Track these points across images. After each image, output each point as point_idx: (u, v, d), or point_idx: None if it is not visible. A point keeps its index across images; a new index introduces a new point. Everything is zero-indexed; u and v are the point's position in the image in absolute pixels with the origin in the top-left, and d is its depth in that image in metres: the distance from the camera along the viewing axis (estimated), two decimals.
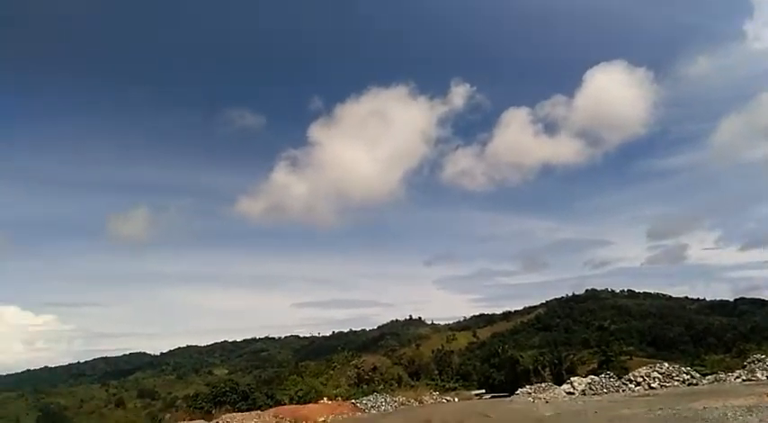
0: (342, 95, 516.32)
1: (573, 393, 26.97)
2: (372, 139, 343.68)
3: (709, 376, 27.43)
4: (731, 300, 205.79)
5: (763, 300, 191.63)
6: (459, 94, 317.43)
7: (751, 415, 13.11)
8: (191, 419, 24.09)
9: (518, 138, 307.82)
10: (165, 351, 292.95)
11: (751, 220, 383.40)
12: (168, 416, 43.26)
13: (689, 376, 25.96)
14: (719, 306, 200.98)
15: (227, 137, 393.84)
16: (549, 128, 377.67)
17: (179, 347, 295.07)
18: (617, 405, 19.13)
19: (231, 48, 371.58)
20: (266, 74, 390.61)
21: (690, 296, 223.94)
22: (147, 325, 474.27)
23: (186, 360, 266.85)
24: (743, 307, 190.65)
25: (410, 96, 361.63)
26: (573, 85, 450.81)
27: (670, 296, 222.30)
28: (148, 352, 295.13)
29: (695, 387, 24.20)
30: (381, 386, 46.66)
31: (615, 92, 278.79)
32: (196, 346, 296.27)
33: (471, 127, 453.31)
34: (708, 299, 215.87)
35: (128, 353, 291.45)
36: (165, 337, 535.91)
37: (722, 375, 26.90)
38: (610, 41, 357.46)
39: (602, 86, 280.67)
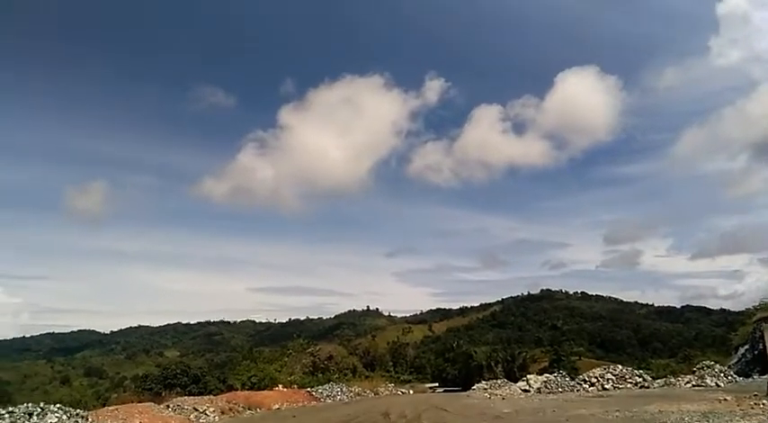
0: (315, 80, 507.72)
1: (528, 391, 27.26)
2: (343, 127, 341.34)
3: (660, 380, 28.11)
4: (678, 306, 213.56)
5: (708, 308, 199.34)
6: (433, 88, 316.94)
7: (707, 421, 13.28)
8: (139, 401, 23.23)
9: (487, 135, 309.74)
10: (115, 330, 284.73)
11: (702, 230, 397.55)
12: (115, 396, 41.86)
13: (641, 379, 26.59)
14: (667, 312, 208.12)
15: (195, 114, 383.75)
16: (518, 128, 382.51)
17: (130, 327, 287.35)
18: (573, 404, 19.31)
19: (206, 24, 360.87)
20: (240, 53, 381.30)
21: (640, 301, 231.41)
22: (98, 302, 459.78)
23: (137, 340, 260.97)
24: (689, 314, 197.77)
25: (384, 87, 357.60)
26: (544, 87, 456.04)
27: (621, 300, 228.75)
28: (98, 330, 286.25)
29: (647, 390, 24.73)
30: (336, 375, 46.39)
31: (584, 97, 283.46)
32: (148, 326, 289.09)
33: (442, 122, 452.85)
34: (656, 304, 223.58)
35: (76, 330, 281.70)
36: (117, 316, 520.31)
37: (672, 380, 27.61)
38: (583, 47, 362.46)
39: (573, 90, 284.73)
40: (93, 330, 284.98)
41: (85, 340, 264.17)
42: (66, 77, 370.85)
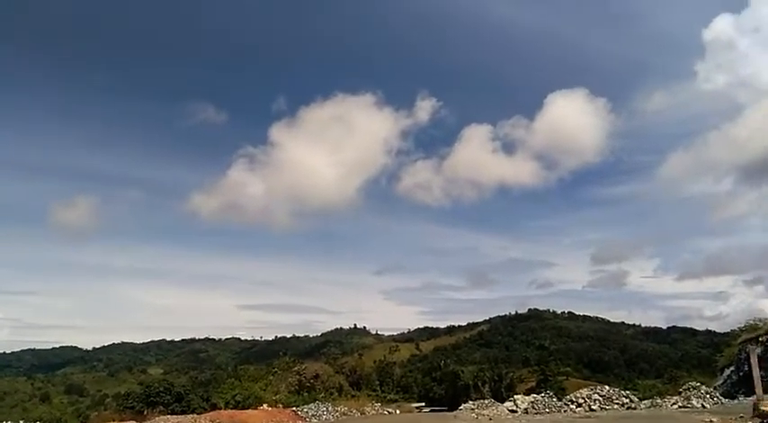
0: (307, 98, 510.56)
1: (516, 411, 27.05)
2: (334, 144, 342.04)
3: (647, 401, 28.04)
4: (664, 327, 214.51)
5: (694, 329, 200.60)
6: (424, 108, 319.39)
7: None
8: (120, 419, 22.82)
9: (477, 155, 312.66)
10: (97, 346, 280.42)
11: (688, 251, 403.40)
12: (95, 414, 41.14)
13: (628, 400, 26.48)
14: (653, 333, 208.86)
15: (185, 130, 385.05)
16: (508, 147, 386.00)
17: (113, 343, 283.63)
18: None
19: (198, 40, 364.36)
20: (232, 70, 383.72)
21: (626, 321, 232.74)
22: (81, 318, 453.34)
23: (120, 357, 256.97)
24: (675, 335, 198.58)
25: (376, 106, 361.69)
26: (534, 108, 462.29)
27: (608, 320, 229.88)
28: (80, 346, 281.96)
29: (634, 411, 24.65)
30: (322, 394, 45.82)
31: (573, 118, 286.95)
32: (131, 342, 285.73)
33: (433, 141, 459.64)
34: (643, 325, 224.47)
35: (58, 346, 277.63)
36: (100, 332, 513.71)
37: (659, 401, 27.55)
38: (573, 69, 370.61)
39: (562, 112, 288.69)
40: (76, 346, 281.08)
41: (67, 357, 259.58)
42: (55, 90, 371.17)
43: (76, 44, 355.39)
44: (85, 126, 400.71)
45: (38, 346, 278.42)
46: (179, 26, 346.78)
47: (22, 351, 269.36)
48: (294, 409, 31.28)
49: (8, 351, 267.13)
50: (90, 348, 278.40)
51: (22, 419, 16.31)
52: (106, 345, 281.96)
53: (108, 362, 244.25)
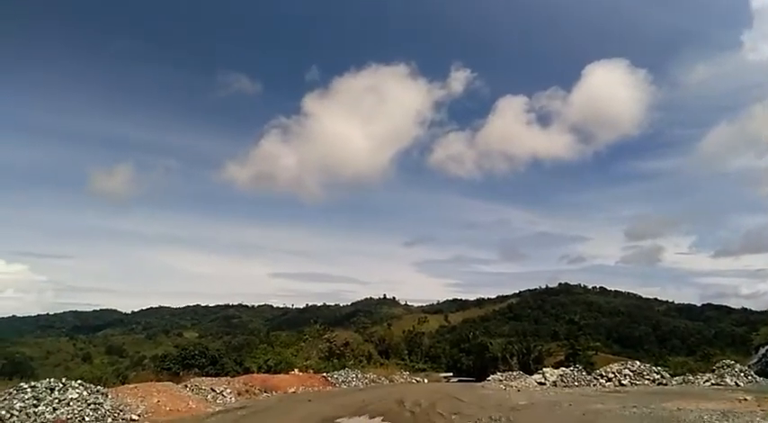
0: (340, 68, 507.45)
1: (544, 384, 27.11)
2: (366, 115, 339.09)
3: (678, 378, 27.75)
4: (698, 305, 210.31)
5: (729, 307, 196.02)
6: (459, 79, 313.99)
7: (727, 420, 13.09)
8: (158, 380, 23.64)
9: (511, 127, 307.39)
10: (136, 310, 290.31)
11: (725, 228, 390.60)
12: (134, 374, 42.69)
13: (659, 376, 26.21)
14: (687, 310, 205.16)
15: (220, 100, 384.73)
16: (543, 119, 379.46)
17: (151, 307, 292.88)
18: (590, 399, 19.15)
19: (233, 10, 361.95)
20: (266, 40, 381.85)
21: (659, 298, 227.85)
22: (120, 282, 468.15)
23: (157, 320, 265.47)
24: (709, 313, 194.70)
25: (409, 77, 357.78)
26: (571, 79, 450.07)
27: (640, 296, 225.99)
28: (119, 309, 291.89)
29: (665, 387, 24.42)
30: (352, 361, 46.68)
31: (612, 90, 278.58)
32: (168, 307, 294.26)
33: (467, 113, 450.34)
34: (676, 302, 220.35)
35: (98, 309, 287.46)
36: (138, 296, 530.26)
37: (691, 378, 27.22)
38: (612, 39, 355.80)
39: (600, 83, 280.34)
40: (115, 310, 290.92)
41: (107, 319, 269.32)
42: (94, 60, 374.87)
43: (111, 14, 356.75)
44: (122, 96, 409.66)
45: (79, 309, 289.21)
46: None
47: (64, 313, 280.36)
48: (324, 374, 31.92)
49: (51, 312, 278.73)
50: (129, 312, 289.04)
51: (65, 377, 16.99)
52: (144, 308, 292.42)
53: (146, 325, 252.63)
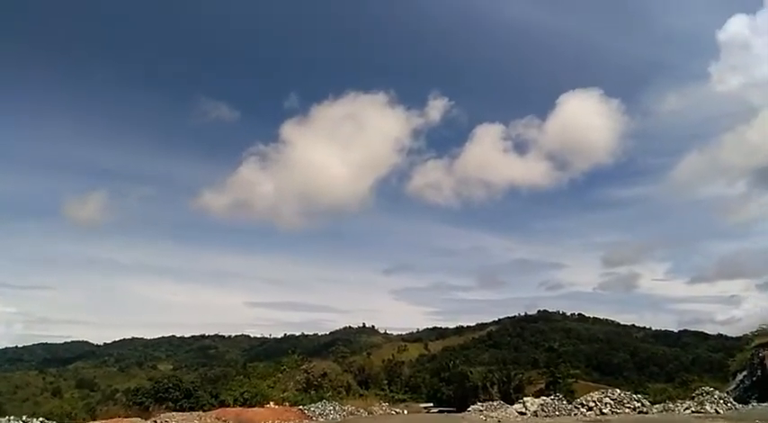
0: (318, 96, 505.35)
1: (525, 414, 26.77)
2: (345, 143, 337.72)
3: (658, 405, 27.64)
4: (675, 331, 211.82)
5: (705, 333, 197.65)
6: (437, 107, 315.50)
7: None
8: (126, 416, 22.82)
9: (488, 155, 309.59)
10: (108, 341, 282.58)
11: (700, 255, 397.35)
12: (105, 409, 41.35)
13: (639, 404, 26.07)
14: (664, 336, 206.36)
15: (197, 127, 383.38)
16: (520, 147, 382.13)
17: (124, 339, 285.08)
18: None
19: (212, 37, 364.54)
20: (245, 67, 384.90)
21: (637, 324, 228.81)
22: (92, 313, 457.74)
23: (130, 352, 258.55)
24: (686, 339, 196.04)
25: (388, 105, 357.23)
26: (546, 108, 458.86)
27: (618, 323, 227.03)
28: (91, 341, 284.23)
29: (646, 416, 24.28)
30: (330, 393, 45.72)
31: (586, 119, 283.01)
32: (142, 338, 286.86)
33: (445, 140, 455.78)
34: (653, 328, 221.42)
35: (69, 340, 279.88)
36: (110, 328, 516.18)
37: (671, 405, 27.13)
38: (585, 70, 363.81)
39: (575, 112, 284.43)
40: (87, 341, 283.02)
41: (78, 351, 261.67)
42: (68, 86, 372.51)
43: (88, 41, 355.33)
44: (98, 123, 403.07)
45: (49, 341, 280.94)
46: (191, 23, 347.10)
47: (33, 345, 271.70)
48: (301, 407, 31.17)
49: (20, 345, 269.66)
50: (101, 343, 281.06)
51: (34, 413, 16.30)
52: (117, 340, 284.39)
53: (119, 357, 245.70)
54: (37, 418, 16.48)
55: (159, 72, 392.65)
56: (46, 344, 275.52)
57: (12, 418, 15.86)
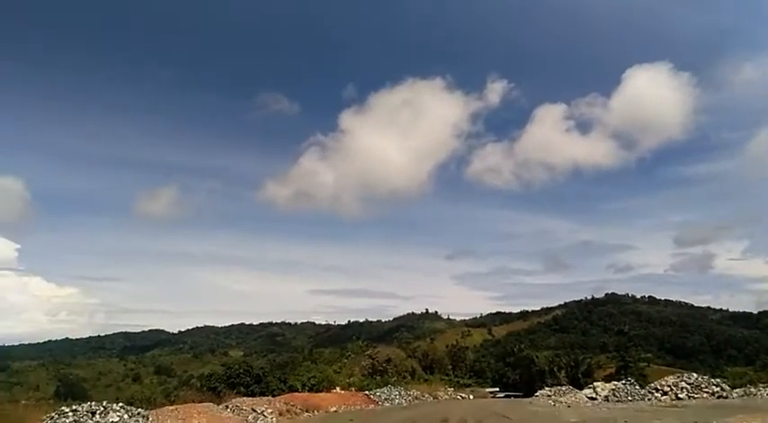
0: (376, 84, 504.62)
1: (595, 399, 25.98)
2: (403, 130, 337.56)
3: (739, 390, 26.29)
4: (755, 312, 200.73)
5: None
6: (495, 90, 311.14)
7: None
8: (200, 401, 23.65)
9: (550, 136, 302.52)
10: (182, 329, 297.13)
11: None
12: (182, 393, 43.12)
13: (718, 388, 24.80)
14: (742, 318, 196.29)
15: (258, 121, 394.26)
16: (583, 127, 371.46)
17: (197, 327, 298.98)
18: (645, 415, 18.18)
19: (268, 32, 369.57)
20: (303, 58, 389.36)
21: (713, 306, 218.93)
22: (167, 303, 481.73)
23: (203, 340, 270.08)
24: (766, 320, 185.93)
25: (446, 89, 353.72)
26: (611, 85, 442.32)
27: (692, 305, 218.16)
28: (167, 329, 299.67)
29: (725, 400, 23.10)
30: (395, 378, 46.06)
31: (654, 94, 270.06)
32: (213, 326, 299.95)
33: (504, 123, 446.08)
34: (731, 310, 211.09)
35: (147, 329, 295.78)
36: (184, 316, 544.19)
37: (752, 389, 25.75)
38: (654, 42, 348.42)
39: (642, 88, 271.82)
40: (163, 330, 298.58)
41: (155, 339, 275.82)
42: (134, 87, 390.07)
43: (154, 40, 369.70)
44: (164, 120, 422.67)
45: (129, 330, 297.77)
46: (249, 18, 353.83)
47: (114, 334, 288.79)
48: (367, 392, 31.46)
49: (102, 334, 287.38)
50: (176, 331, 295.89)
51: (117, 398, 17.14)
52: (190, 328, 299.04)
53: (192, 344, 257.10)
54: (117, 403, 17.26)
55: (219, 68, 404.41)
56: (126, 333, 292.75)
57: (93, 403, 16.65)
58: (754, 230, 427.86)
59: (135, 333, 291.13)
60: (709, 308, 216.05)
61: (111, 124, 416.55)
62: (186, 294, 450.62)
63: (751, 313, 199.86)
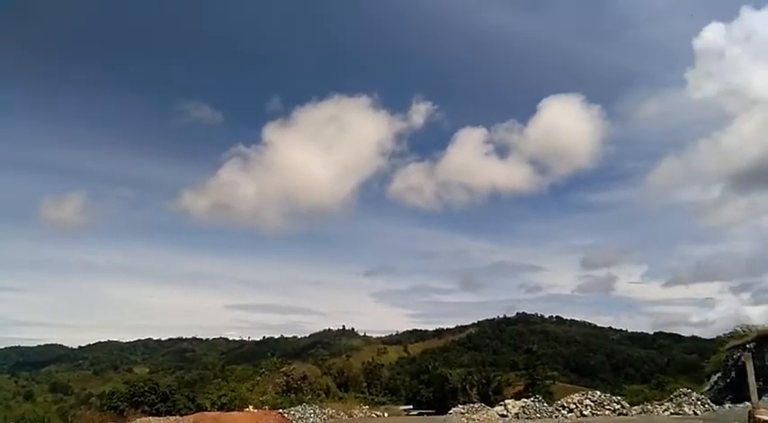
0: (302, 99, 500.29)
1: (506, 416, 26.79)
2: (327, 145, 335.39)
3: (637, 407, 27.84)
4: (650, 333, 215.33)
5: (680, 335, 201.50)
6: (420, 111, 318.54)
7: None
8: (101, 420, 22.33)
9: (470, 158, 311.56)
10: (83, 344, 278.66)
11: (675, 258, 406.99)
12: (79, 413, 40.43)
13: (619, 406, 26.27)
14: (639, 338, 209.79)
15: (178, 128, 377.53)
16: (501, 151, 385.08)
17: (99, 342, 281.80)
18: None
19: (195, 38, 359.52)
20: (229, 68, 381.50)
21: (614, 326, 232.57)
22: (67, 316, 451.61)
23: (105, 355, 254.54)
24: (661, 340, 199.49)
25: (371, 108, 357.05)
26: (528, 113, 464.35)
27: (595, 325, 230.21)
28: (65, 344, 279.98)
29: (626, 417, 24.45)
30: (310, 396, 45.40)
31: (567, 124, 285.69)
32: (117, 341, 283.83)
33: (427, 144, 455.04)
34: (630, 330, 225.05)
35: (43, 344, 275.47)
36: (85, 330, 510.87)
37: (649, 407, 27.34)
38: (567, 76, 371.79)
39: (556, 117, 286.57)
40: (61, 344, 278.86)
41: (52, 355, 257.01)
42: (46, 86, 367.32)
43: (69, 40, 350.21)
44: (76, 123, 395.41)
45: (22, 344, 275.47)
46: (174, 24, 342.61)
47: (6, 348, 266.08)
48: (281, 411, 30.81)
49: None
50: (75, 346, 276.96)
51: (6, 417, 15.77)
52: (92, 343, 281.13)
53: (93, 360, 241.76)
54: None
55: (140, 73, 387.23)
56: (19, 347, 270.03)
57: None
58: (652, 255, 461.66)
59: (29, 347, 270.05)
60: (610, 328, 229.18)
61: (11, 123, 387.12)
62: (88, 307, 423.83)
63: (647, 334, 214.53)
